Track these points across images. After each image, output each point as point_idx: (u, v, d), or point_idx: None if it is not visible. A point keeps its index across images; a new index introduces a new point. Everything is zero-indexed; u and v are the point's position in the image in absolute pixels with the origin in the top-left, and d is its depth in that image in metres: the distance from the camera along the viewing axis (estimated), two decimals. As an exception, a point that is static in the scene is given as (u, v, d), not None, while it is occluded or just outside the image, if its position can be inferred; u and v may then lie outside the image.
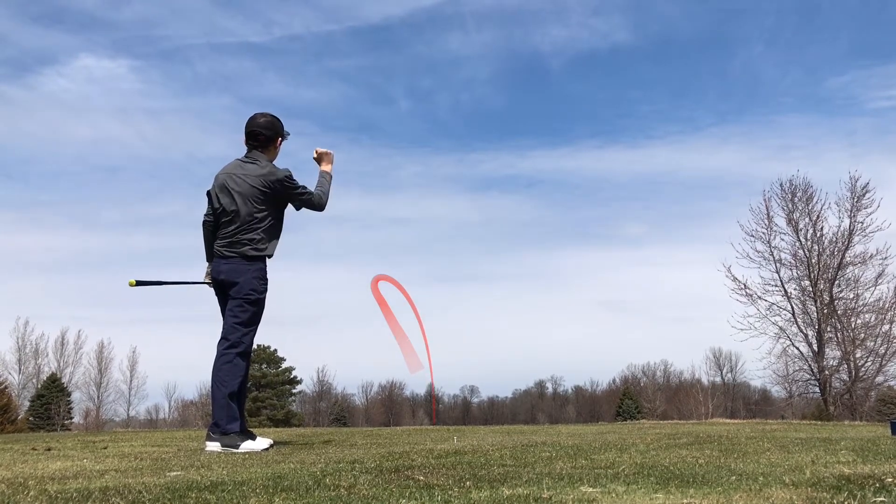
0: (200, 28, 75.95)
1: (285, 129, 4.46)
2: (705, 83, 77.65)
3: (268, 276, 4.29)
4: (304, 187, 4.31)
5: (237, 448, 3.99)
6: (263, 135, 4.33)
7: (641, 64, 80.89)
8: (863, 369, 22.55)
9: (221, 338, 4.20)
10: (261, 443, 4.09)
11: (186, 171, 79.56)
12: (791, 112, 72.31)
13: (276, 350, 45.13)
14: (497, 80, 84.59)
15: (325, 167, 4.48)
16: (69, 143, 77.39)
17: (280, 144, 4.44)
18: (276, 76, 79.53)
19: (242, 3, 76.62)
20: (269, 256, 4.28)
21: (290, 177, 4.26)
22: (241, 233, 4.22)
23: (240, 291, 4.18)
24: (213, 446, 4.05)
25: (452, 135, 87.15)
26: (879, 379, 22.89)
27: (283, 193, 4.25)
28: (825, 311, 22.68)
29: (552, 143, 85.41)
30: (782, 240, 23.58)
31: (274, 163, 4.37)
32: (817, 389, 23.22)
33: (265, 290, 4.26)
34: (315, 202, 4.31)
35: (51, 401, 41.55)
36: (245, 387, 4.26)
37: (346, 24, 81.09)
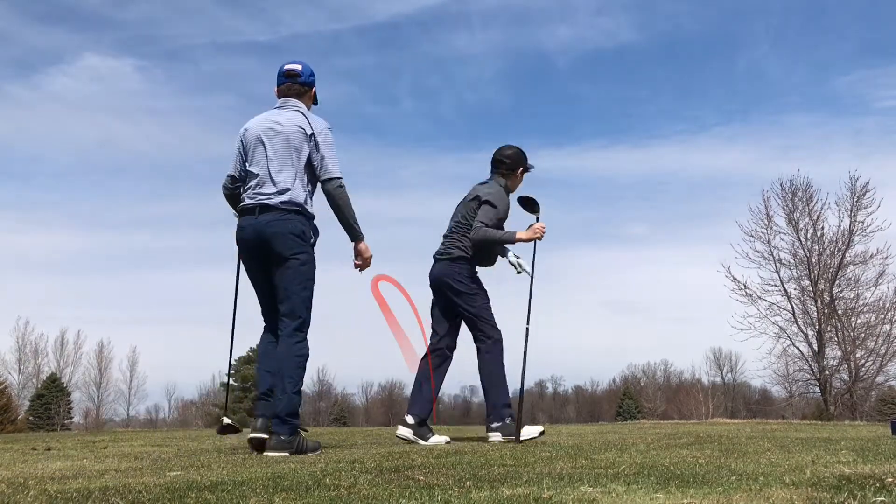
0: (205, 27, 75.89)
1: (528, 161, 4.74)
2: (711, 82, 77.51)
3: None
4: (485, 221, 4.47)
5: (514, 437, 4.24)
6: (505, 164, 4.67)
7: (647, 63, 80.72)
8: (863, 369, 22.54)
9: (473, 338, 4.56)
10: (534, 429, 4.35)
11: (190, 171, 79.58)
12: (797, 112, 72.21)
13: (276, 350, 45.23)
14: (503, 79, 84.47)
15: (522, 234, 4.56)
16: (72, 143, 77.50)
17: (520, 174, 4.74)
18: (281, 76, 79.42)
19: (248, 2, 76.58)
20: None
21: (488, 201, 4.51)
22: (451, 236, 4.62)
23: (456, 292, 4.50)
24: (495, 437, 4.33)
25: (458, 134, 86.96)
26: (880, 379, 22.91)
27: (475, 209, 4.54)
28: (825, 310, 22.67)
29: (557, 143, 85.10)
30: (782, 240, 23.58)
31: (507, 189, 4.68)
32: (817, 389, 23.21)
33: (477, 284, 4.55)
34: (476, 234, 4.45)
35: (51, 401, 41.57)
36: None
37: (352, 22, 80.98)
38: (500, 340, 4.48)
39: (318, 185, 3.92)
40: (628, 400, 56.16)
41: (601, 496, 2.00)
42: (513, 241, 4.54)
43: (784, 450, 3.52)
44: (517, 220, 4.71)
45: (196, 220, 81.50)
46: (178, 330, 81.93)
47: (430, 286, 4.67)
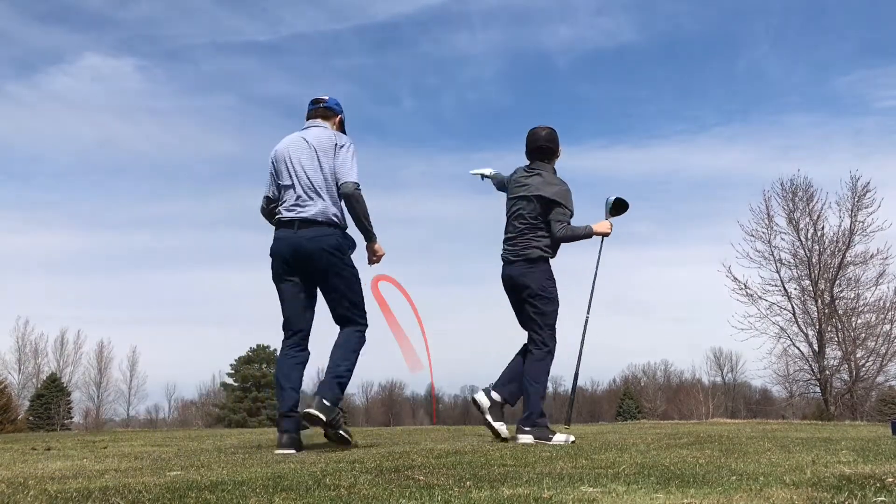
0: (205, 27, 75.58)
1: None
2: (711, 82, 77.25)
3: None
4: (567, 220, 4.48)
5: (549, 440, 4.25)
6: (552, 150, 4.66)
7: (647, 63, 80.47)
8: (863, 369, 22.52)
9: (529, 339, 4.50)
10: (564, 437, 4.32)
11: (190, 171, 79.57)
12: (797, 112, 72.01)
13: (276, 350, 44.93)
14: (503, 79, 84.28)
15: (597, 227, 4.61)
16: (72, 143, 77.37)
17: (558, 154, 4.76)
18: (282, 75, 79.14)
19: (248, 2, 76.39)
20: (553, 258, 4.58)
21: (558, 202, 4.46)
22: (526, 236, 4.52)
23: (533, 293, 4.42)
24: (527, 439, 4.25)
25: (458, 134, 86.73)
26: (880, 379, 22.87)
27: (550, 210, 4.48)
28: (826, 310, 22.66)
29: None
30: (783, 239, 23.55)
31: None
32: (818, 389, 23.19)
33: (555, 287, 4.51)
34: (563, 232, 4.45)
35: (50, 400, 41.54)
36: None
37: (352, 22, 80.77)
38: (554, 352, 4.47)
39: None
40: (628, 400, 56.12)
41: (601, 496, 2.00)
42: (590, 236, 4.58)
43: (784, 450, 3.52)
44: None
45: (196, 220, 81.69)
46: (178, 330, 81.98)
47: (506, 287, 4.61)
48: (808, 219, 23.33)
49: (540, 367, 4.39)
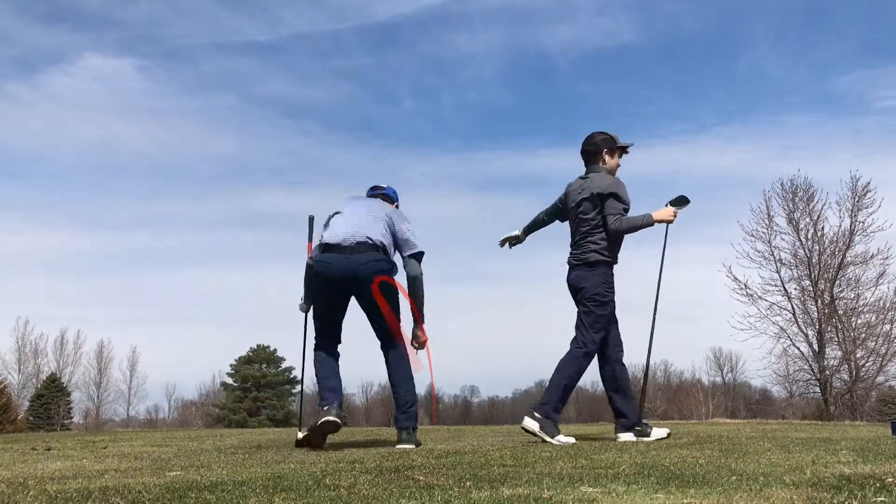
0: (206, 27, 75.23)
1: (618, 141, 4.72)
2: (711, 82, 77.07)
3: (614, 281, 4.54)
4: (619, 213, 4.47)
5: (552, 437, 4.22)
6: (591, 152, 4.71)
7: (647, 63, 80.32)
8: (863, 369, 22.52)
9: (573, 338, 4.52)
10: (567, 439, 4.30)
11: (190, 171, 79.46)
12: (797, 112, 71.88)
13: (276, 350, 45.02)
14: (504, 79, 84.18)
15: (657, 214, 4.57)
16: (72, 143, 77.19)
17: (607, 155, 4.70)
18: (282, 75, 78.87)
19: (248, 2, 76.24)
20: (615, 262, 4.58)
21: (612, 193, 4.46)
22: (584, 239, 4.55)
23: (586, 295, 4.46)
24: (532, 424, 4.28)
25: (459, 134, 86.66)
26: (880, 379, 22.87)
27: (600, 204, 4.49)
28: (826, 310, 22.66)
29: (559, 143, 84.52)
30: (783, 239, 23.54)
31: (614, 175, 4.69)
32: (818, 389, 23.19)
33: (611, 293, 4.51)
34: (618, 225, 4.44)
35: (50, 400, 41.53)
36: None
37: (352, 22, 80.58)
38: (592, 356, 4.48)
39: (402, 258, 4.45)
40: (628, 400, 56.09)
41: (601, 496, 2.00)
42: (651, 224, 4.54)
43: (784, 450, 3.52)
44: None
45: (196, 220, 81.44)
46: (178, 330, 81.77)
47: (569, 291, 4.63)
48: (808, 219, 23.33)
49: (573, 366, 4.41)
